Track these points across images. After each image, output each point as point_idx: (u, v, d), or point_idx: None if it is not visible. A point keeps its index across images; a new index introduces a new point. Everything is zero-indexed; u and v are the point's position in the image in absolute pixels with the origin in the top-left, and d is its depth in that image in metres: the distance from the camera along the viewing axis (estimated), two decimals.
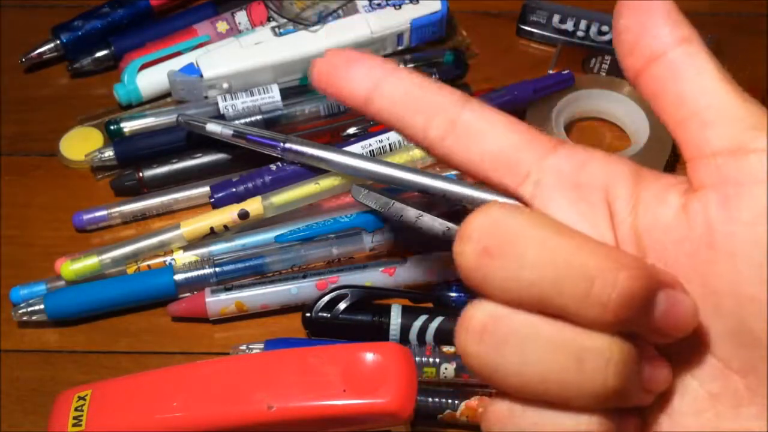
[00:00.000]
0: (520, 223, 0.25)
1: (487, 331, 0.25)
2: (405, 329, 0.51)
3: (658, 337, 0.26)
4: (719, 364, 0.26)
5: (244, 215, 0.55)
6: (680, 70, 0.27)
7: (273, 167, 0.57)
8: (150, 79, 0.62)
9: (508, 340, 0.25)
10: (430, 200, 0.55)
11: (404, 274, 0.54)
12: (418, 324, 0.51)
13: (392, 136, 0.58)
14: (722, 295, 0.25)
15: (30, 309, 0.53)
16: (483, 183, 0.29)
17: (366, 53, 0.30)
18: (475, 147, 0.28)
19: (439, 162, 0.30)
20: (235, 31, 0.64)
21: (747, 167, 0.25)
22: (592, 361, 0.24)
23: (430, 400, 0.48)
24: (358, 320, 0.51)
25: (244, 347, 0.51)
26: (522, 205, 0.28)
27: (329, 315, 0.51)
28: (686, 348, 0.26)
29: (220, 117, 0.59)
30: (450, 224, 0.41)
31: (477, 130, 0.28)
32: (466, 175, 0.30)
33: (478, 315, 0.25)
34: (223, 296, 0.53)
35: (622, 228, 0.27)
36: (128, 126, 0.60)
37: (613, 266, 0.24)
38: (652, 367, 0.26)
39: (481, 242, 0.25)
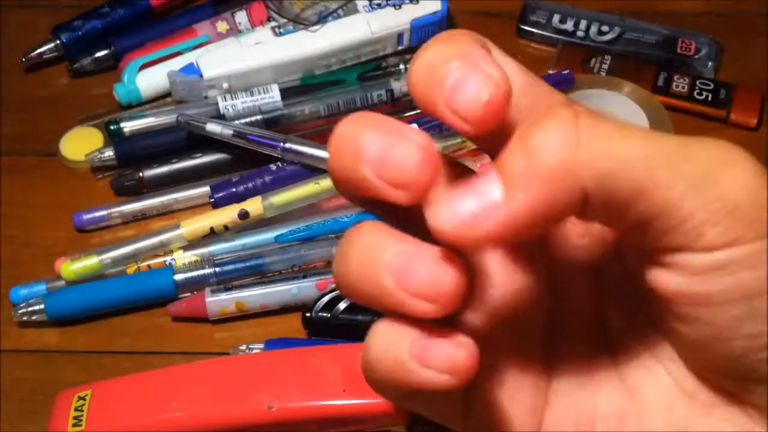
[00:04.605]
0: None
1: None
2: None
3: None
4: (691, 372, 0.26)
5: (244, 215, 0.55)
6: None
7: (273, 167, 0.57)
8: (150, 79, 0.62)
9: None
10: None
11: None
12: None
13: None
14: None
15: (30, 309, 0.53)
16: None
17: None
18: None
19: None
20: (235, 31, 0.64)
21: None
22: None
23: None
24: (358, 320, 0.51)
25: (244, 347, 0.51)
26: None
27: (329, 315, 0.51)
28: (661, 344, 0.26)
29: (220, 117, 0.59)
30: None
31: None
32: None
33: None
34: (223, 296, 0.53)
35: None
36: (128, 126, 0.60)
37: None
38: (431, 341, 0.24)
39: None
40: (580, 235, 0.27)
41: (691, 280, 0.23)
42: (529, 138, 0.22)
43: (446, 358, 0.23)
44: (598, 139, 0.22)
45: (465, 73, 0.23)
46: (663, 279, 0.24)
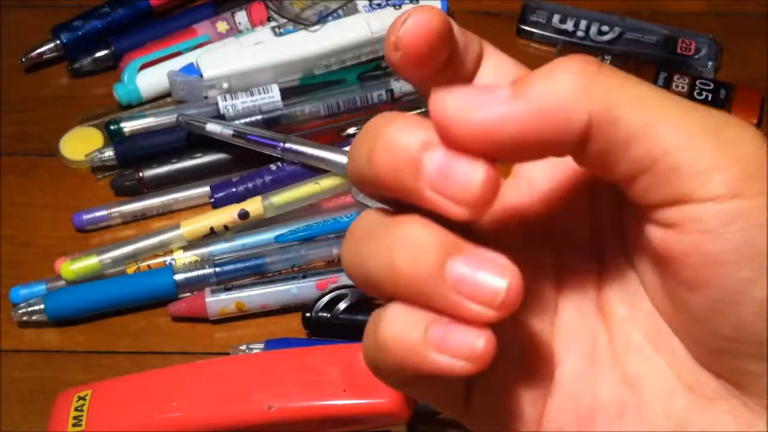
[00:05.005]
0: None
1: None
2: None
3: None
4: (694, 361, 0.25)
5: (244, 215, 0.55)
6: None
7: (273, 167, 0.57)
8: (150, 79, 0.62)
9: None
10: None
11: None
12: None
13: None
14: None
15: (30, 309, 0.53)
16: None
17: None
18: None
19: None
20: (235, 31, 0.64)
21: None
22: None
23: None
24: (358, 320, 0.51)
25: (244, 347, 0.51)
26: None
27: (329, 315, 0.51)
28: (662, 333, 0.26)
29: (220, 117, 0.59)
30: None
31: None
32: None
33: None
34: (223, 296, 0.53)
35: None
36: (128, 126, 0.60)
37: None
38: (449, 328, 0.23)
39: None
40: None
41: (701, 238, 0.23)
42: (550, 66, 0.23)
43: (465, 346, 0.23)
44: (615, 78, 0.23)
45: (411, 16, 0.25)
46: (671, 240, 0.23)
